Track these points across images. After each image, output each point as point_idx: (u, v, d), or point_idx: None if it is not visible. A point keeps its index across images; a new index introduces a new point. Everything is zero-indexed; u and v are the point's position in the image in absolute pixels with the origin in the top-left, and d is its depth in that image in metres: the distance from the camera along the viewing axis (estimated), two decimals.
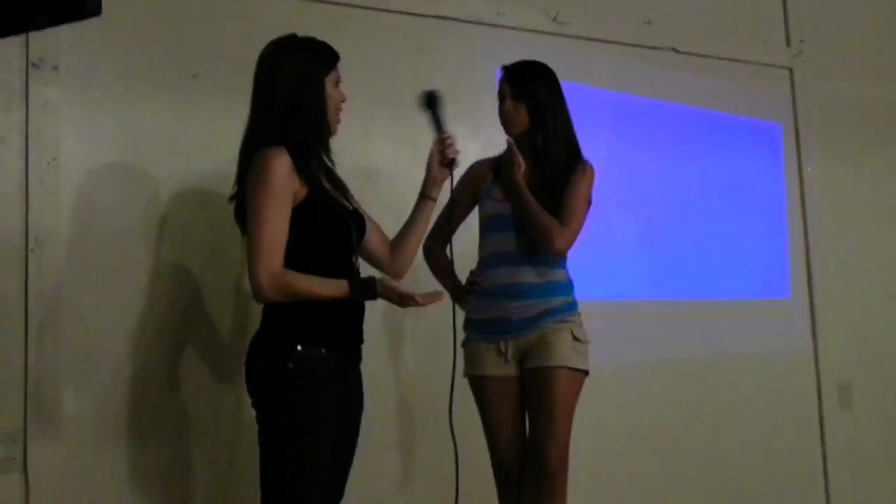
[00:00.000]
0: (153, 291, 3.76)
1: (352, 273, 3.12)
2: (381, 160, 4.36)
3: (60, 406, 3.58)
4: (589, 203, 3.66)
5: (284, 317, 3.00)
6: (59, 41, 3.63)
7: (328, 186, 3.13)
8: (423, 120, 4.37)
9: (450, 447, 3.28)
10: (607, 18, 5.06)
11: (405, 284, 3.12)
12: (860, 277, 5.78)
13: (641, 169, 5.10)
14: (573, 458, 3.60)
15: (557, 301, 3.63)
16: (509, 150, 3.60)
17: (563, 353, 3.57)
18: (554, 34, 4.84)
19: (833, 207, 5.73)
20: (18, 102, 3.61)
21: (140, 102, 3.81)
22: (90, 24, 3.55)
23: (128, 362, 3.70)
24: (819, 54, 5.75)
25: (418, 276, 3.92)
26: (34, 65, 3.62)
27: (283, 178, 2.94)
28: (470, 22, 4.62)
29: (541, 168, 3.63)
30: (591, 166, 3.67)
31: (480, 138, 4.35)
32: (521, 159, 3.56)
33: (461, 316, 3.68)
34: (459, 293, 3.66)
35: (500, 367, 3.64)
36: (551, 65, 3.78)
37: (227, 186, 3.17)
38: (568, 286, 3.69)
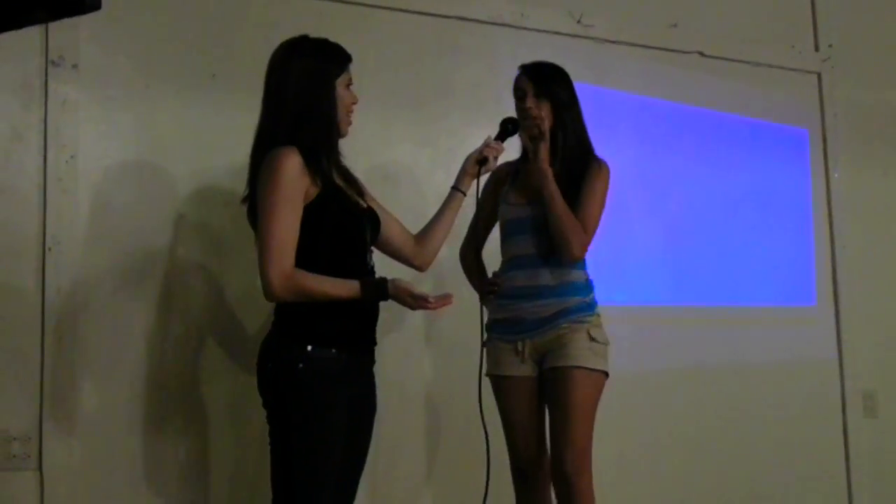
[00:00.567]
0: (169, 290, 3.77)
1: (365, 272, 3.11)
2: (401, 161, 4.35)
3: (76, 404, 3.60)
4: (603, 205, 3.64)
5: (295, 317, 3.00)
6: (78, 39, 3.66)
7: (342, 185, 3.12)
8: (444, 122, 4.42)
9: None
10: (632, 21, 5.03)
11: (425, 287, 3.11)
12: (886, 285, 5.71)
13: (666, 173, 5.06)
14: (595, 464, 3.56)
15: (574, 301, 3.61)
16: (536, 145, 3.60)
17: (579, 353, 3.55)
18: (578, 36, 4.81)
19: (860, 214, 5.66)
20: (37, 100, 3.63)
21: (159, 101, 3.83)
22: (110, 22, 3.61)
23: (143, 360, 3.72)
24: (848, 60, 5.69)
25: (445, 283, 3.92)
26: (53, 63, 3.64)
27: (293, 177, 2.94)
28: (493, 23, 4.61)
29: (557, 166, 3.62)
30: (607, 166, 3.66)
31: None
32: (545, 146, 3.58)
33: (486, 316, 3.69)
34: (482, 294, 3.72)
35: (518, 367, 3.63)
36: (575, 67, 3.77)
37: (244, 186, 3.16)
38: (585, 287, 3.67)
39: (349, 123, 3.17)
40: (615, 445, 4.45)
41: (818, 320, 5.55)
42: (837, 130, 5.64)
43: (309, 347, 2.96)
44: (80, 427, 3.60)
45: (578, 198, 3.59)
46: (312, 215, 2.98)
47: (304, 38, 3.12)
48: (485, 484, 3.41)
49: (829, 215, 5.59)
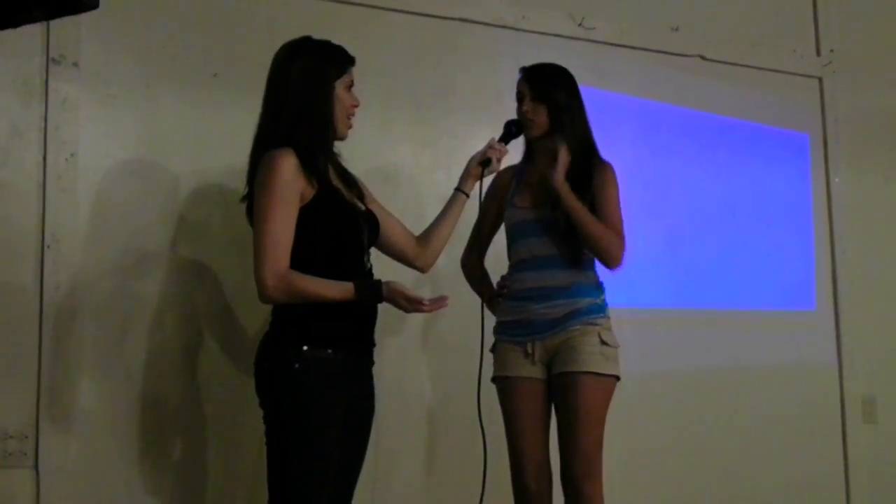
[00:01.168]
0: (168, 289, 3.77)
1: (362, 273, 3.10)
2: (402, 162, 4.35)
3: (72, 402, 3.60)
4: (620, 206, 3.64)
5: (292, 317, 2.99)
6: (79, 37, 3.66)
7: (340, 187, 3.12)
8: (444, 123, 4.41)
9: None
10: (634, 24, 5.02)
11: (424, 290, 3.11)
12: (887, 290, 5.71)
13: (667, 177, 5.06)
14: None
15: (584, 302, 3.58)
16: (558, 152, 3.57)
17: (589, 357, 3.52)
18: (579, 39, 4.81)
19: (860, 219, 5.66)
20: (38, 98, 3.63)
21: (160, 100, 3.83)
22: (111, 21, 3.61)
23: (141, 359, 3.72)
24: (849, 64, 5.68)
25: (443, 286, 3.91)
26: (54, 60, 3.64)
27: (288, 179, 2.94)
28: (494, 25, 4.60)
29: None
30: (612, 166, 3.65)
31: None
32: (563, 159, 3.54)
33: (490, 320, 3.67)
34: (490, 298, 3.71)
35: (527, 368, 3.59)
36: (576, 70, 3.75)
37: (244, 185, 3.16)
38: (596, 288, 3.65)
39: (349, 126, 3.16)
40: (613, 448, 4.43)
41: (818, 325, 5.54)
42: (838, 135, 5.63)
43: (305, 348, 2.95)
44: (76, 425, 3.60)
45: (597, 207, 3.57)
46: (309, 217, 2.98)
47: (306, 39, 3.12)
48: (481, 485, 3.40)
49: (830, 220, 5.59)
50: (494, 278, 3.78)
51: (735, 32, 5.40)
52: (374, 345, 3.16)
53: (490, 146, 3.50)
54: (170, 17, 3.87)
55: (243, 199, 3.11)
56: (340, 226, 3.05)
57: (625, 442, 4.61)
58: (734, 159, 5.35)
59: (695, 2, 5.29)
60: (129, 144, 3.78)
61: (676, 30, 5.17)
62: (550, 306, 3.57)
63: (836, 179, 5.62)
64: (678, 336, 5.04)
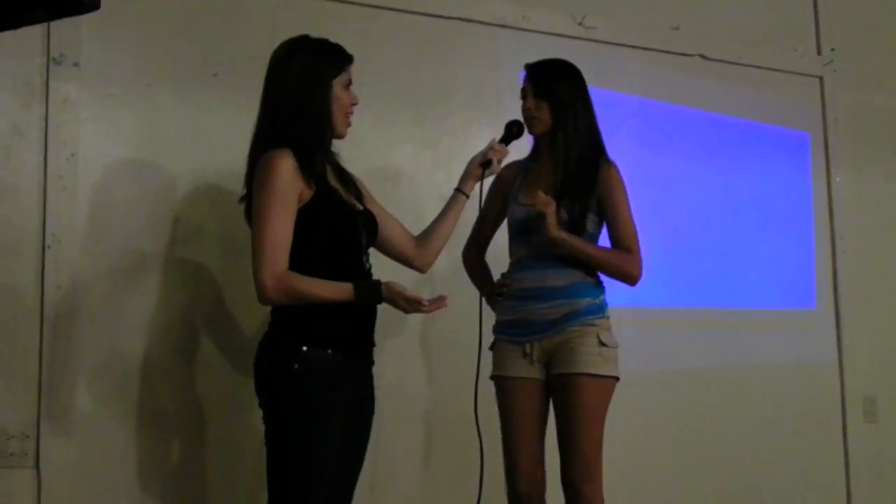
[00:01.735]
0: (168, 289, 3.77)
1: (361, 274, 3.10)
2: (402, 162, 4.35)
3: (73, 402, 3.60)
4: (631, 209, 3.65)
5: (291, 318, 2.99)
6: (79, 38, 3.66)
7: (338, 187, 3.12)
8: (445, 123, 4.41)
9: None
10: (634, 23, 5.02)
11: (423, 290, 3.10)
12: (887, 289, 5.71)
13: (667, 176, 5.05)
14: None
15: (583, 303, 3.57)
16: (536, 206, 3.50)
17: (588, 359, 3.51)
18: (580, 38, 4.81)
19: (861, 218, 5.66)
20: (38, 98, 3.63)
21: (160, 100, 3.83)
22: (111, 21, 3.61)
23: (141, 359, 3.72)
24: (850, 63, 5.69)
25: (442, 286, 3.91)
26: (55, 60, 3.64)
27: (286, 180, 2.93)
28: (494, 25, 4.60)
29: (562, 167, 3.59)
30: (617, 168, 3.64)
31: None
32: (550, 210, 3.48)
33: (489, 319, 3.67)
34: (490, 294, 3.70)
35: (525, 368, 3.59)
36: None
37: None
38: (595, 288, 3.64)
39: (347, 125, 3.15)
40: (615, 448, 4.43)
41: (819, 324, 5.55)
42: (839, 134, 5.63)
43: (304, 348, 2.95)
44: (77, 425, 3.60)
45: (609, 220, 3.60)
46: (307, 218, 2.97)
47: (304, 38, 3.11)
48: (476, 489, 3.41)
49: (831, 219, 5.59)
50: (496, 274, 3.77)
51: (736, 31, 5.39)
52: (373, 345, 3.16)
53: (491, 147, 3.48)
54: (170, 17, 3.87)
55: (242, 199, 3.10)
56: (339, 226, 3.04)
57: (625, 442, 4.60)
58: (735, 158, 5.35)
59: (695, 1, 5.29)
60: (129, 144, 3.78)
61: (677, 29, 5.17)
62: (549, 306, 3.56)
63: (837, 178, 5.62)
64: (678, 335, 5.04)
